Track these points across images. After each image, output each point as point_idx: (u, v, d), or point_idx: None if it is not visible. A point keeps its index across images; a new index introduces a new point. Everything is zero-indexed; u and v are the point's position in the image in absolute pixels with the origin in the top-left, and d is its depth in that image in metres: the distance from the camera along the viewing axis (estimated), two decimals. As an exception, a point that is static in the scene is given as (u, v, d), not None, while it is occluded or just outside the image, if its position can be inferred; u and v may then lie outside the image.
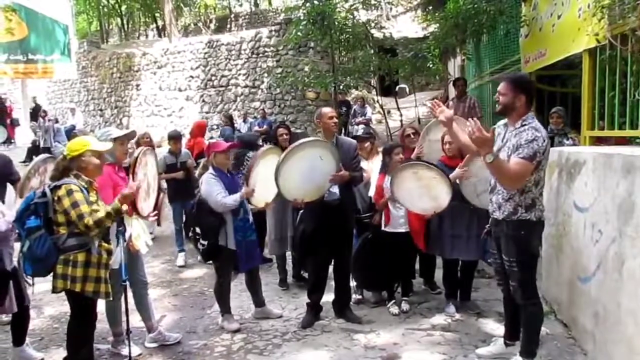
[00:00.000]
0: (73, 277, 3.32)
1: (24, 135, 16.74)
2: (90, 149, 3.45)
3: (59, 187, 3.32)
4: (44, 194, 3.33)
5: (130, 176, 4.09)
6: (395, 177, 4.45)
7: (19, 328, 4.06)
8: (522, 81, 3.53)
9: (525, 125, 3.36)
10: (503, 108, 3.47)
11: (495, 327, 4.32)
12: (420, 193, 4.40)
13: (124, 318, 3.97)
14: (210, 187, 4.40)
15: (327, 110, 4.57)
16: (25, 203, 3.37)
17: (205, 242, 4.44)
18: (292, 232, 5.36)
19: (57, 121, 16.44)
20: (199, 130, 8.19)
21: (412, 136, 5.21)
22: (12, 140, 16.88)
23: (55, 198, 3.29)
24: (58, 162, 3.50)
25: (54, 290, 3.39)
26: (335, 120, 4.54)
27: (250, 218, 4.66)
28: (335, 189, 4.48)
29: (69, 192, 3.28)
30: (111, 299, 3.60)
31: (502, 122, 3.63)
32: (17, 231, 3.51)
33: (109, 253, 3.52)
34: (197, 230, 4.48)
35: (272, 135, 5.64)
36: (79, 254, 3.34)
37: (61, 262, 3.32)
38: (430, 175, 4.34)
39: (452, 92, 9.77)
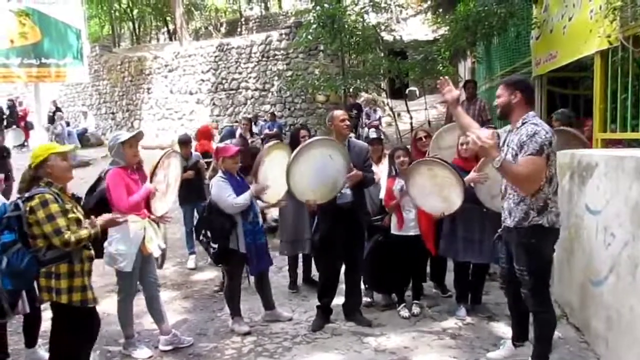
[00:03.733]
0: (58, 290, 3.19)
1: (38, 139, 16.92)
2: (54, 152, 3.31)
3: (31, 197, 3.14)
4: (16, 207, 3.16)
5: (149, 177, 4.14)
6: (410, 173, 4.43)
7: (31, 330, 4.10)
8: (516, 80, 3.52)
9: (525, 122, 3.34)
10: (502, 110, 3.49)
11: (507, 331, 4.28)
12: (432, 191, 4.38)
13: (135, 320, 3.99)
14: (220, 190, 4.43)
15: (339, 113, 4.57)
16: None
17: (216, 246, 4.45)
18: (310, 235, 5.36)
19: (68, 124, 16.61)
20: (202, 135, 8.32)
21: (424, 139, 5.18)
22: (26, 144, 17.07)
23: (28, 209, 3.11)
24: (24, 173, 3.34)
25: (40, 302, 3.27)
26: (347, 122, 4.54)
27: (260, 221, 4.67)
28: (348, 192, 4.48)
29: (44, 203, 3.11)
30: (98, 304, 3.46)
31: (506, 127, 3.62)
32: None
33: (91, 259, 3.40)
34: (208, 233, 4.50)
35: (293, 137, 5.64)
36: (61, 266, 3.20)
37: (43, 275, 3.18)
38: (444, 174, 4.31)
39: (463, 95, 9.74)
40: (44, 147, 3.42)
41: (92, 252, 3.43)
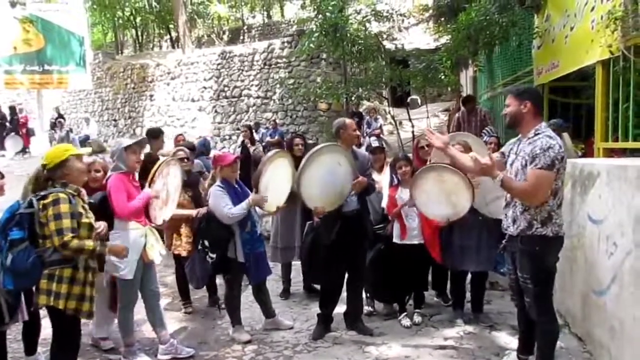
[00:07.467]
0: (57, 294, 3.15)
1: (40, 145, 16.96)
2: (72, 154, 3.32)
3: (45, 196, 3.15)
4: (30, 204, 3.15)
5: (147, 184, 4.13)
6: (417, 178, 4.41)
7: (31, 337, 4.08)
8: (526, 90, 3.52)
9: (539, 134, 3.30)
10: (512, 119, 3.45)
11: (509, 341, 4.27)
12: (440, 199, 4.35)
13: (136, 328, 3.96)
14: (217, 200, 4.40)
15: (350, 122, 4.57)
16: (9, 213, 3.20)
17: (214, 255, 4.43)
18: (299, 242, 5.35)
19: (71, 131, 16.63)
20: None
21: (425, 148, 5.16)
22: (27, 150, 17.12)
23: (41, 207, 3.12)
24: (37, 174, 3.33)
25: (37, 306, 3.26)
26: (358, 132, 4.57)
27: (259, 230, 4.66)
28: (354, 199, 4.48)
29: (55, 202, 3.12)
30: (93, 318, 3.44)
31: (512, 140, 3.62)
32: None
33: (95, 270, 3.41)
34: (206, 243, 4.48)
35: (287, 145, 5.68)
36: (65, 270, 3.18)
37: (45, 276, 3.15)
38: (455, 180, 4.27)
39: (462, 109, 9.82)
40: (61, 148, 3.40)
41: (96, 265, 3.43)
